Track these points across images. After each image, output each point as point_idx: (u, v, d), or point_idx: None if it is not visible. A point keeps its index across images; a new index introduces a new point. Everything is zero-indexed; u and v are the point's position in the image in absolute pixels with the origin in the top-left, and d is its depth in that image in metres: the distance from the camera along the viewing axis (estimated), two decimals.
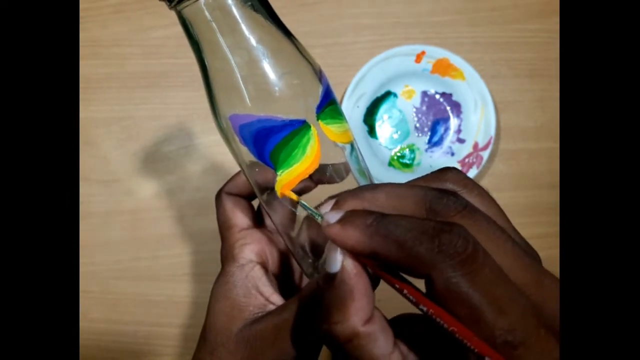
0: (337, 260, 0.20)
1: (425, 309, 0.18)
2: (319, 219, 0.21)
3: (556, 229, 0.50)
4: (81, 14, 0.55)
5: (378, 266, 0.20)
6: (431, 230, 0.18)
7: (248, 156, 0.26)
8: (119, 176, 0.54)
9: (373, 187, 0.21)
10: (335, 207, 0.21)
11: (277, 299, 0.28)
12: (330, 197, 0.23)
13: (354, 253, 0.20)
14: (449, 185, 0.22)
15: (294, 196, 0.25)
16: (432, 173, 0.23)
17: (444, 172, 0.23)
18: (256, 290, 0.28)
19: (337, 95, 0.52)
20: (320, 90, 0.25)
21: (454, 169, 0.23)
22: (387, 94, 0.52)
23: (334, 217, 0.20)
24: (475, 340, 0.17)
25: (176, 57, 0.53)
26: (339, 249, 0.20)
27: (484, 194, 0.22)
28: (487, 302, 0.17)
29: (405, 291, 0.19)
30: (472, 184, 0.22)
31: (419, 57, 0.52)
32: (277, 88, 0.24)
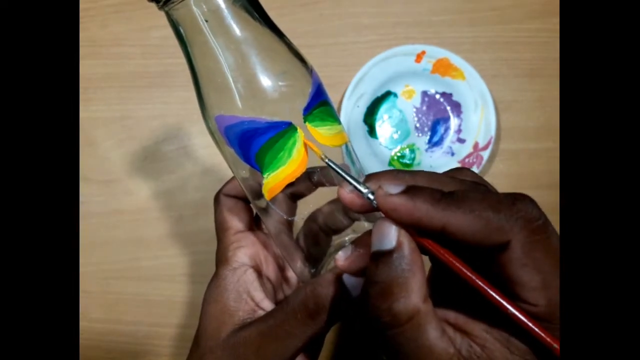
0: (392, 236, 0.19)
1: (492, 299, 0.18)
2: (362, 191, 0.20)
3: (556, 229, 0.50)
4: (81, 13, 0.55)
5: (436, 242, 0.19)
6: (505, 199, 0.18)
7: (237, 159, 0.26)
8: (119, 176, 0.54)
9: (409, 171, 0.21)
10: (369, 184, 0.21)
11: (267, 305, 0.27)
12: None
13: (416, 228, 0.19)
14: (470, 180, 0.22)
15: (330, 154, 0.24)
16: (448, 171, 0.23)
17: (460, 170, 0.23)
18: (247, 294, 0.27)
19: (337, 95, 0.52)
20: (309, 91, 0.25)
21: (467, 168, 0.23)
22: (387, 93, 0.52)
23: (395, 189, 0.19)
24: (541, 332, 0.18)
25: (176, 57, 0.53)
26: (393, 224, 0.19)
27: (494, 191, 0.22)
28: (557, 270, 0.18)
29: (469, 276, 0.19)
30: (486, 182, 0.23)
31: (419, 57, 0.52)
32: (264, 89, 0.24)
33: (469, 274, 0.19)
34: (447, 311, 0.21)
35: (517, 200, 0.19)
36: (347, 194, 0.21)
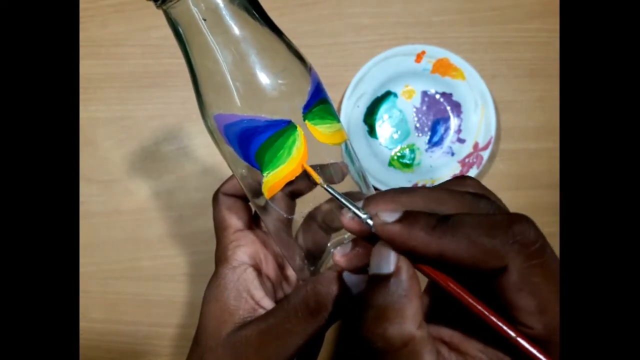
0: (391, 261, 0.19)
1: (488, 320, 0.18)
2: (362, 217, 0.20)
3: (556, 229, 0.50)
4: (81, 13, 0.55)
5: (433, 267, 0.19)
6: (501, 222, 0.18)
7: (236, 157, 0.25)
8: (119, 176, 0.54)
9: (406, 190, 0.21)
10: (367, 209, 0.21)
11: (267, 303, 0.27)
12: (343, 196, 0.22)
13: (413, 254, 0.19)
14: (471, 191, 0.22)
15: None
16: (450, 180, 0.23)
17: (463, 179, 0.23)
18: (247, 293, 0.27)
19: (337, 95, 0.52)
20: (308, 89, 0.25)
21: (469, 176, 0.23)
22: (387, 93, 0.52)
23: (390, 216, 0.19)
24: (540, 355, 0.18)
25: (176, 57, 0.53)
26: (391, 249, 0.19)
27: (499, 199, 0.22)
28: (554, 294, 0.18)
29: (468, 301, 0.19)
30: (489, 191, 0.22)
31: (419, 57, 0.52)
32: (263, 87, 0.24)
33: (467, 298, 0.19)
34: (442, 329, 0.21)
35: (514, 223, 0.18)
36: (348, 220, 0.21)
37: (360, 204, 0.21)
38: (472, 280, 0.19)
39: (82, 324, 0.51)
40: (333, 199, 0.27)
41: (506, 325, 0.18)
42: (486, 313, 0.18)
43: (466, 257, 0.18)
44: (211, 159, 0.54)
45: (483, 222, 0.18)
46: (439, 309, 0.22)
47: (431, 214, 0.19)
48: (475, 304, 0.19)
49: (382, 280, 0.19)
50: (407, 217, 0.19)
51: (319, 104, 0.25)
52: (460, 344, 0.20)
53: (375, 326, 0.19)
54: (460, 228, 0.18)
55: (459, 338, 0.20)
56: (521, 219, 0.18)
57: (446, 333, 0.21)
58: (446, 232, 0.18)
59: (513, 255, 0.18)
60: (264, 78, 0.24)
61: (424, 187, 0.21)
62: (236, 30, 0.23)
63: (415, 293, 0.19)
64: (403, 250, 0.19)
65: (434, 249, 0.18)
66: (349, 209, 0.21)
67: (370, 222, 0.20)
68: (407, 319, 0.18)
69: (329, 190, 0.23)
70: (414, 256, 0.19)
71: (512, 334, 0.18)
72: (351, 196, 0.28)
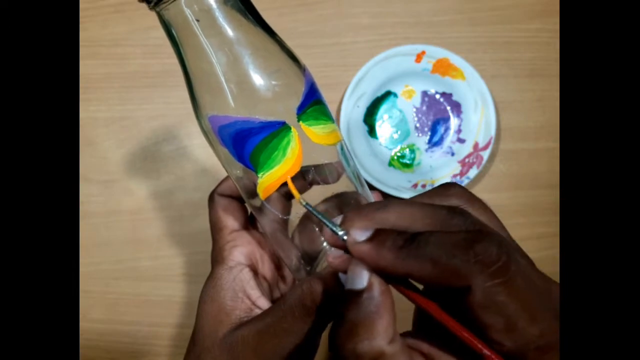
0: (364, 277, 0.19)
1: (458, 334, 0.19)
2: (338, 233, 0.21)
3: (556, 229, 0.50)
4: (81, 14, 0.55)
5: (401, 284, 0.20)
6: (463, 242, 0.18)
7: (231, 159, 0.25)
8: (119, 176, 0.54)
9: (381, 206, 0.21)
10: (343, 226, 0.21)
11: (263, 303, 0.28)
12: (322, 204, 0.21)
13: (382, 272, 0.19)
14: (454, 201, 0.22)
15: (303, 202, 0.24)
16: (435, 189, 0.23)
17: (447, 187, 0.23)
18: (243, 293, 0.28)
19: (337, 95, 0.52)
20: (302, 90, 0.25)
21: (455, 184, 0.23)
22: (387, 93, 0.52)
23: (361, 235, 0.20)
24: None
25: (176, 57, 0.53)
26: (364, 265, 0.20)
27: (485, 207, 0.22)
28: (521, 311, 0.18)
29: (441, 317, 0.19)
30: (474, 199, 0.22)
31: (419, 57, 0.52)
32: (257, 88, 0.24)
33: (440, 315, 0.19)
34: (421, 342, 0.21)
35: (476, 242, 0.18)
36: (328, 235, 0.21)
37: (339, 219, 0.21)
38: (445, 297, 0.19)
39: (82, 324, 0.51)
40: (330, 199, 0.27)
41: (478, 342, 0.18)
42: (458, 330, 0.19)
43: (431, 277, 0.18)
44: (210, 159, 0.54)
45: (446, 241, 0.18)
46: (420, 323, 0.23)
47: (400, 233, 0.19)
48: (447, 320, 0.19)
49: (355, 295, 0.19)
50: (377, 236, 0.20)
51: (313, 104, 0.25)
52: (437, 358, 0.20)
53: (347, 341, 0.19)
54: (425, 247, 0.18)
55: (437, 352, 0.21)
56: (484, 238, 0.18)
57: (425, 346, 0.21)
58: (411, 253, 0.19)
59: (475, 274, 0.18)
60: (257, 79, 0.24)
61: (399, 202, 0.21)
62: (229, 32, 0.23)
63: (386, 308, 0.19)
64: (374, 268, 0.19)
65: (401, 269, 0.19)
66: (328, 226, 0.21)
67: (346, 238, 0.20)
68: (378, 334, 0.19)
69: (308, 208, 0.23)
70: (386, 273, 0.19)
71: (486, 351, 0.18)
72: (346, 196, 0.28)
